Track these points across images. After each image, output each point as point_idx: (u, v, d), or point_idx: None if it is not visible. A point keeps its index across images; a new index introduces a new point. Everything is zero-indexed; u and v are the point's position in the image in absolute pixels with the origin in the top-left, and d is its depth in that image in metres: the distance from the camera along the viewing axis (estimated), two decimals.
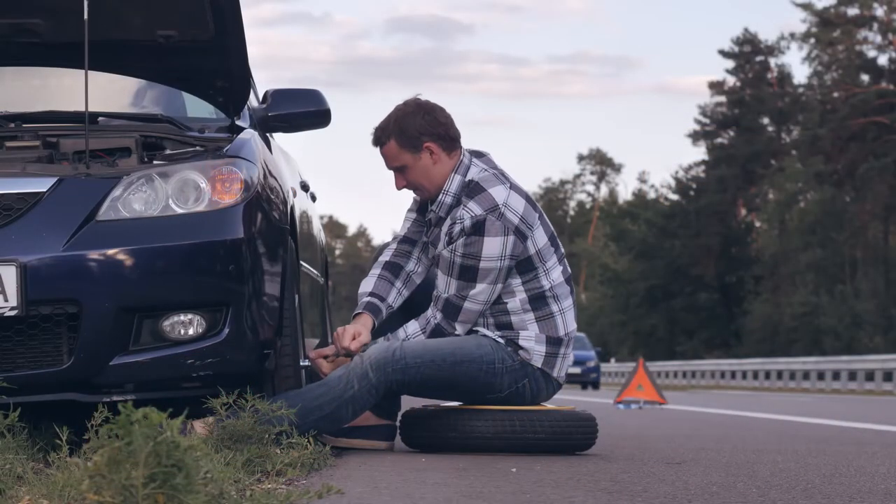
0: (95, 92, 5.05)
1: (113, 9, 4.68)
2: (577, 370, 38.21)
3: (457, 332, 4.86)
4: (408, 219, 5.12)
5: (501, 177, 4.93)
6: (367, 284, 5.04)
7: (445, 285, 4.87)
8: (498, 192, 4.85)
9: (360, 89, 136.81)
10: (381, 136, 4.95)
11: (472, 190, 4.87)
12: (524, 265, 4.88)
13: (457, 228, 4.83)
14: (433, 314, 4.88)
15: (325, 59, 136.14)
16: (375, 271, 5.05)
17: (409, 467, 4.21)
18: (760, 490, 3.68)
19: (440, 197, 4.92)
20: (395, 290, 5.03)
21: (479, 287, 4.83)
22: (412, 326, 4.90)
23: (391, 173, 5.00)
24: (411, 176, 4.94)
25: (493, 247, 4.80)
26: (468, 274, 4.82)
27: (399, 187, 4.99)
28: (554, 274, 4.92)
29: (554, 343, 4.91)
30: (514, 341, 4.88)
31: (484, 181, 4.89)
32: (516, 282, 4.88)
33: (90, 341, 4.35)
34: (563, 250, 5.01)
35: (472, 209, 4.82)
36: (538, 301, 4.90)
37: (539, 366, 4.89)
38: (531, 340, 4.88)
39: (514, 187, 4.90)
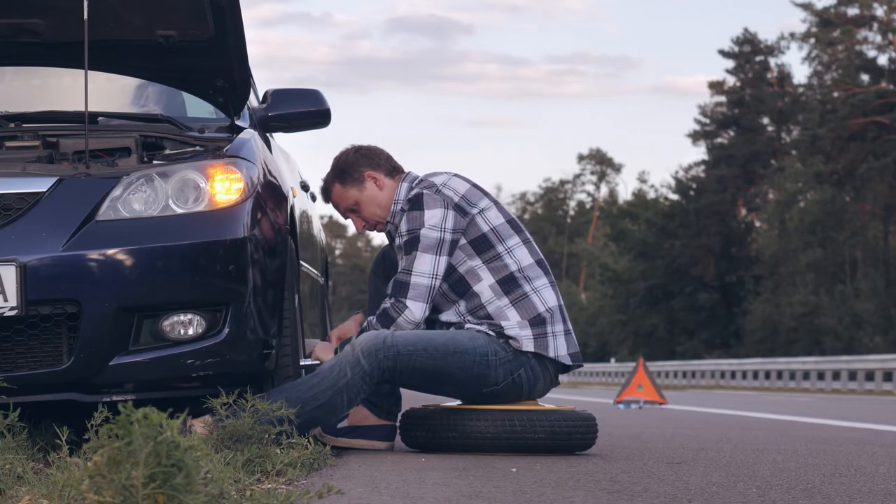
0: (95, 92, 5.06)
1: (113, 9, 4.68)
2: None
3: (410, 310, 4.83)
4: None
5: (450, 172, 5.02)
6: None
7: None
8: (438, 177, 4.98)
9: (360, 89, 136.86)
10: (326, 186, 5.13)
11: (416, 186, 4.98)
12: (480, 243, 4.91)
13: (398, 215, 4.95)
14: (386, 298, 4.91)
15: (325, 59, 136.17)
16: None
17: (409, 467, 4.21)
18: (760, 490, 3.67)
19: (392, 207, 5.01)
20: None
21: (422, 258, 4.85)
22: (373, 317, 4.94)
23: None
24: (365, 211, 5.05)
25: (433, 217, 4.86)
26: (411, 246, 4.87)
27: (360, 229, 5.14)
28: (518, 253, 4.94)
29: (537, 323, 4.90)
30: (502, 333, 4.88)
31: (428, 176, 5.02)
32: (476, 262, 4.90)
33: (90, 341, 4.35)
34: (528, 236, 5.03)
35: (411, 192, 4.95)
36: (508, 283, 4.90)
37: (532, 350, 4.88)
38: (515, 328, 4.88)
39: (459, 175, 5.00)
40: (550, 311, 4.92)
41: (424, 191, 4.90)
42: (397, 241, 4.95)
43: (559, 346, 4.93)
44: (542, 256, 5.03)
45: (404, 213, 4.91)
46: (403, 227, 4.90)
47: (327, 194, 5.13)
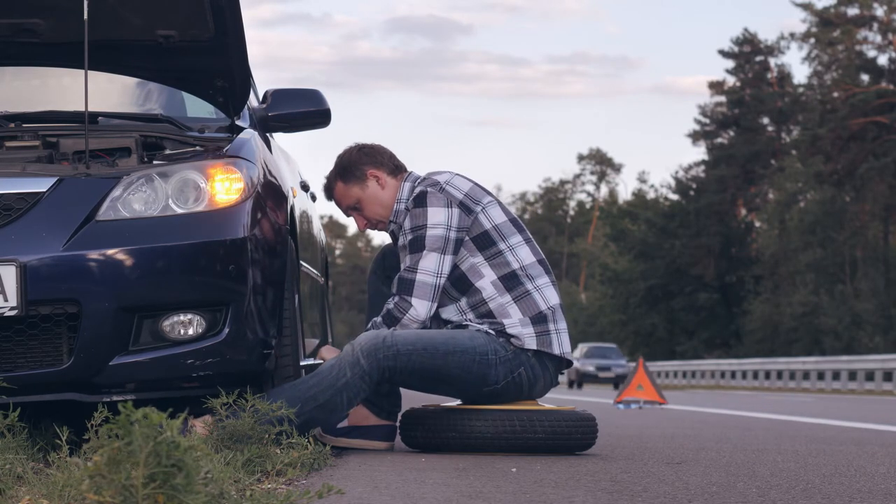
0: (95, 92, 5.06)
1: (113, 9, 4.68)
2: None
3: (415, 308, 4.82)
4: None
5: (452, 171, 5.03)
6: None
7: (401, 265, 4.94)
8: (441, 176, 4.98)
9: (360, 89, 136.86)
10: (329, 184, 5.13)
11: (419, 185, 4.99)
12: (482, 240, 4.91)
13: (402, 214, 4.96)
14: (391, 298, 4.91)
15: (325, 59, 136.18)
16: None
17: (409, 467, 4.21)
18: (760, 490, 3.67)
19: (395, 206, 5.01)
20: None
21: (427, 256, 4.85)
22: (378, 317, 4.94)
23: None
24: (367, 210, 5.05)
25: (437, 215, 4.86)
26: (416, 245, 4.87)
27: (361, 228, 5.16)
28: (521, 252, 4.94)
29: (539, 321, 4.90)
30: (503, 332, 4.88)
31: (431, 174, 5.03)
32: (478, 259, 4.90)
33: (90, 341, 4.35)
34: (529, 235, 5.03)
35: (414, 191, 4.95)
36: (511, 280, 4.90)
37: (535, 348, 4.88)
38: (517, 326, 4.88)
39: (461, 174, 5.01)
40: (552, 309, 4.93)
41: (428, 189, 4.90)
42: (401, 240, 4.95)
43: (563, 343, 4.94)
44: (544, 256, 5.03)
45: (408, 211, 4.91)
46: (407, 224, 4.90)
47: (330, 192, 5.13)
